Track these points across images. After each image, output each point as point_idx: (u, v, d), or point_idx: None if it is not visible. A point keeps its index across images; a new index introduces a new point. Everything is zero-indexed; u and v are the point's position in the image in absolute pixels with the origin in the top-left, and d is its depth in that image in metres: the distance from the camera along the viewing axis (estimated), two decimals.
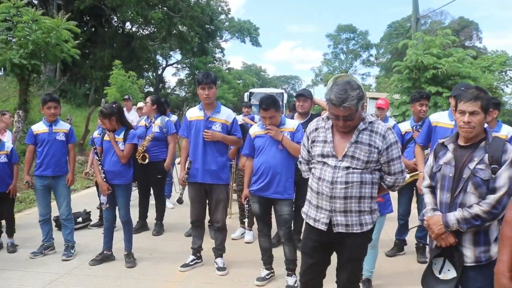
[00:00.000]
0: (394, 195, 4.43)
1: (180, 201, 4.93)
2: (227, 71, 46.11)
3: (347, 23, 64.28)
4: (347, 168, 2.87)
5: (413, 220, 5.29)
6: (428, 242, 4.03)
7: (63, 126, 5.31)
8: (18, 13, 10.92)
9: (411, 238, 5.53)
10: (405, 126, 5.51)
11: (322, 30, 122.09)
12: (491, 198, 2.59)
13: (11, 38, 11.33)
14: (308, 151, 3.14)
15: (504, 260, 2.06)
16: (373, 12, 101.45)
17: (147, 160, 6.06)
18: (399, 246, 5.60)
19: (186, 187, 4.89)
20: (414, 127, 5.33)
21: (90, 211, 6.68)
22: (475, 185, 2.65)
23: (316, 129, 3.10)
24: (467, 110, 2.70)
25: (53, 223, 5.59)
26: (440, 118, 4.54)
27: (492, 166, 2.62)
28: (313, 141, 3.08)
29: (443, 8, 48.27)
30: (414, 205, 5.49)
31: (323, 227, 2.97)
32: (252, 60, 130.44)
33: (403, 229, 5.52)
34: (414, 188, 5.20)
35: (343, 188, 2.86)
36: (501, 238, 2.13)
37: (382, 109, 6.58)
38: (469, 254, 2.68)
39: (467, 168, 2.69)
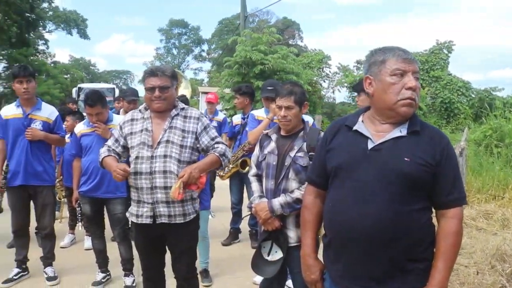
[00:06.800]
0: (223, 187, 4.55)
1: None
2: (52, 64, 42.30)
3: (179, 18, 64.34)
4: (164, 156, 2.87)
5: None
6: None
7: None
8: None
9: (245, 226, 5.80)
10: (236, 119, 5.84)
11: (154, 24, 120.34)
12: None
13: None
14: (117, 140, 3.07)
15: (307, 244, 2.22)
16: (204, 8, 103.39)
17: None
18: (234, 234, 5.82)
19: (5, 194, 4.40)
20: (244, 119, 5.60)
21: None
22: (295, 172, 2.87)
23: (132, 119, 3.05)
24: (283, 105, 2.92)
25: None
26: (260, 113, 5.04)
27: (310, 153, 2.85)
28: (130, 133, 3.01)
29: (269, 8, 51.23)
30: (246, 194, 5.75)
31: (148, 221, 2.94)
32: (80, 53, 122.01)
33: (236, 218, 5.75)
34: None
35: (162, 178, 2.85)
36: (302, 222, 2.26)
37: (212, 103, 6.77)
38: (293, 235, 2.89)
39: (288, 156, 2.89)
